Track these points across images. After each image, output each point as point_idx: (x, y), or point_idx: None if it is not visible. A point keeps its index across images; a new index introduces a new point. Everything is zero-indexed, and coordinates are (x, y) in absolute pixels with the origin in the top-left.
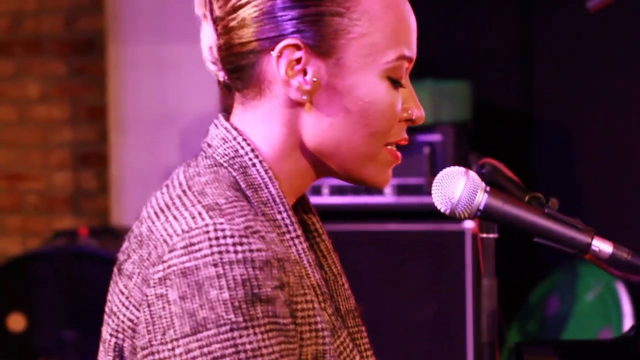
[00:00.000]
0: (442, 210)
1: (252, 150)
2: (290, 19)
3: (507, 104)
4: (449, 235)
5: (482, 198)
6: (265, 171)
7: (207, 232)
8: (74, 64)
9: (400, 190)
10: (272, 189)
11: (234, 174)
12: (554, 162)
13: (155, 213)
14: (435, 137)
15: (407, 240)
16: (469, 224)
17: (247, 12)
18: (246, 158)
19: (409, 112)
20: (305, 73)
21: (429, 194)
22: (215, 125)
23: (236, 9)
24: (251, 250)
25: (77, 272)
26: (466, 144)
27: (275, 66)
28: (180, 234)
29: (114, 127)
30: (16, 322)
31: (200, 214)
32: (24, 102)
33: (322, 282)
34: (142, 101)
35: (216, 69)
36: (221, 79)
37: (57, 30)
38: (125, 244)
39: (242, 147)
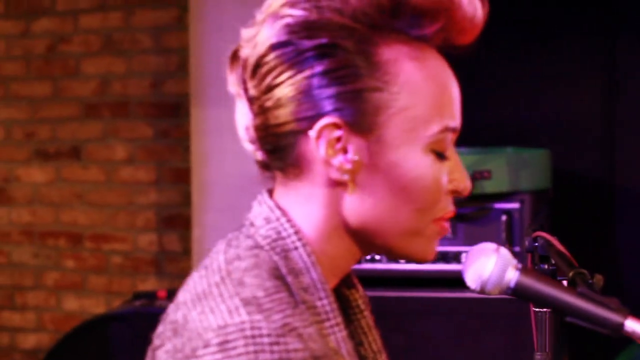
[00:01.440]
0: (472, 288)
1: (296, 233)
2: (328, 97)
3: (588, 171)
4: (522, 304)
5: (512, 276)
6: (308, 255)
7: (244, 329)
8: (159, 126)
9: None
10: (314, 274)
11: (275, 258)
12: (637, 231)
13: (192, 300)
14: (513, 205)
15: (478, 309)
16: None
17: (283, 92)
18: (289, 241)
19: (455, 184)
20: (346, 151)
21: None
22: (259, 202)
23: (271, 88)
24: (287, 351)
25: (153, 333)
26: (545, 212)
27: (315, 146)
28: (216, 329)
29: (197, 190)
30: None
31: (237, 308)
32: (111, 164)
33: None
34: (224, 164)
35: (254, 148)
36: (259, 159)
37: (143, 93)
38: (160, 328)
39: (286, 229)
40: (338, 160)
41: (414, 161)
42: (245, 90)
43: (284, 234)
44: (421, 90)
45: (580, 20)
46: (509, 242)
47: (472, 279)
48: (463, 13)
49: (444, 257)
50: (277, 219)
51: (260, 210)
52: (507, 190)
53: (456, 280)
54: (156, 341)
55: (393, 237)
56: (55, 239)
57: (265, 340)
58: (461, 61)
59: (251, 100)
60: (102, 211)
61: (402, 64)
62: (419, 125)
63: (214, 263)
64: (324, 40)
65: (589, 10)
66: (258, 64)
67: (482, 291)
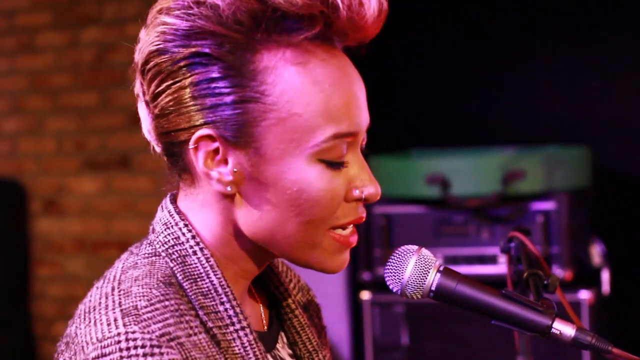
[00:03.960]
0: (394, 291)
1: (193, 237)
2: (202, 109)
3: (632, 170)
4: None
5: (434, 278)
6: (207, 259)
7: (119, 342)
8: None
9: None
10: (213, 278)
11: (172, 264)
12: None
13: (85, 312)
14: (549, 205)
15: None
16: (585, 295)
17: (164, 101)
18: (187, 246)
19: (358, 191)
20: (226, 163)
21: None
22: (161, 207)
23: (156, 96)
24: None
25: None
26: (584, 212)
27: (195, 158)
28: (95, 342)
29: None
30: None
31: (115, 320)
32: (159, 173)
33: None
34: None
35: (159, 151)
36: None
37: None
38: (59, 342)
39: (184, 234)
40: (218, 171)
41: (297, 173)
42: (143, 93)
43: (182, 239)
44: (302, 98)
45: (622, 17)
46: (547, 243)
47: (392, 282)
48: (342, 16)
49: (480, 260)
50: (176, 224)
51: (161, 215)
52: (543, 190)
53: (493, 283)
54: (55, 355)
55: (287, 248)
56: (107, 249)
57: (140, 351)
58: (498, 58)
59: (147, 105)
60: (151, 221)
61: (281, 71)
62: (300, 135)
63: (112, 272)
64: (197, 49)
65: (632, 7)
66: (143, 71)
67: (403, 294)
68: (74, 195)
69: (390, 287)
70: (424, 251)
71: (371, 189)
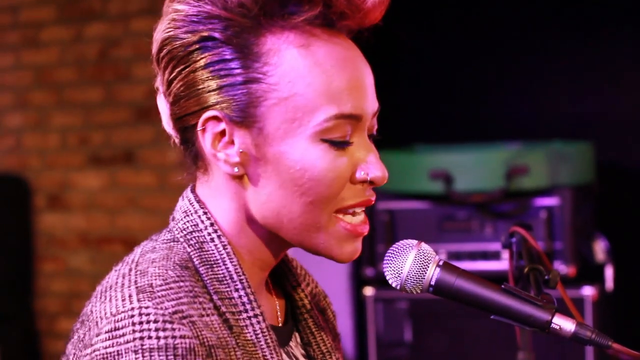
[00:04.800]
0: (393, 286)
1: (212, 224)
2: (210, 91)
3: (634, 165)
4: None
5: (433, 272)
6: (224, 246)
7: (132, 316)
8: None
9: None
10: (229, 265)
11: (189, 250)
12: None
13: (101, 292)
14: (553, 201)
15: None
16: (589, 291)
17: (176, 88)
18: (205, 233)
19: (364, 172)
20: (233, 144)
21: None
22: (182, 196)
23: (169, 83)
24: (174, 337)
25: None
26: (588, 208)
27: (203, 140)
28: (109, 316)
29: None
30: None
31: (130, 296)
32: (164, 168)
33: None
34: None
35: (177, 141)
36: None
37: None
38: (77, 320)
39: (202, 222)
40: (225, 153)
41: (300, 152)
42: (161, 84)
43: (200, 226)
44: (304, 79)
45: (625, 12)
46: (550, 239)
47: (391, 276)
48: None
49: (484, 255)
50: (195, 212)
51: (182, 204)
52: (546, 185)
53: (496, 279)
54: (70, 334)
55: (294, 231)
56: (111, 245)
57: (152, 325)
58: (502, 54)
59: (164, 95)
60: (156, 216)
61: (284, 52)
62: (302, 114)
63: (131, 256)
64: (203, 34)
65: (636, 3)
66: (157, 60)
67: (403, 289)
68: (78, 191)
69: (390, 281)
70: (424, 245)
71: (377, 171)
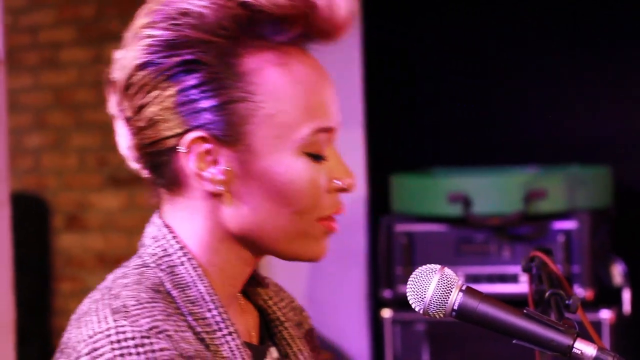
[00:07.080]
0: (416, 310)
1: (181, 249)
2: (193, 113)
3: None
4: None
5: (456, 297)
6: (194, 269)
7: (109, 335)
8: None
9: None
10: (200, 286)
11: (160, 274)
12: None
13: (76, 320)
14: (571, 225)
15: None
16: (606, 315)
17: (152, 111)
18: (175, 257)
19: (337, 182)
20: (217, 163)
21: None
22: (150, 222)
23: (141, 108)
24: (153, 351)
25: None
26: (605, 231)
27: (186, 161)
28: (86, 339)
29: None
30: None
31: (105, 317)
32: None
33: None
34: None
35: (139, 167)
36: (146, 177)
37: None
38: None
39: (172, 246)
40: (210, 172)
41: (285, 165)
42: (122, 111)
43: (170, 250)
44: (287, 96)
45: None
46: (568, 263)
47: (414, 301)
48: (321, 15)
49: (502, 279)
50: (164, 237)
51: (150, 230)
52: (564, 209)
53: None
54: None
55: (278, 240)
56: None
57: (131, 342)
58: (521, 78)
59: (127, 121)
60: None
61: (266, 72)
62: (287, 130)
63: (103, 283)
64: (184, 58)
65: None
66: (127, 86)
67: (425, 313)
68: (96, 211)
69: (413, 305)
70: (447, 270)
71: (349, 179)
